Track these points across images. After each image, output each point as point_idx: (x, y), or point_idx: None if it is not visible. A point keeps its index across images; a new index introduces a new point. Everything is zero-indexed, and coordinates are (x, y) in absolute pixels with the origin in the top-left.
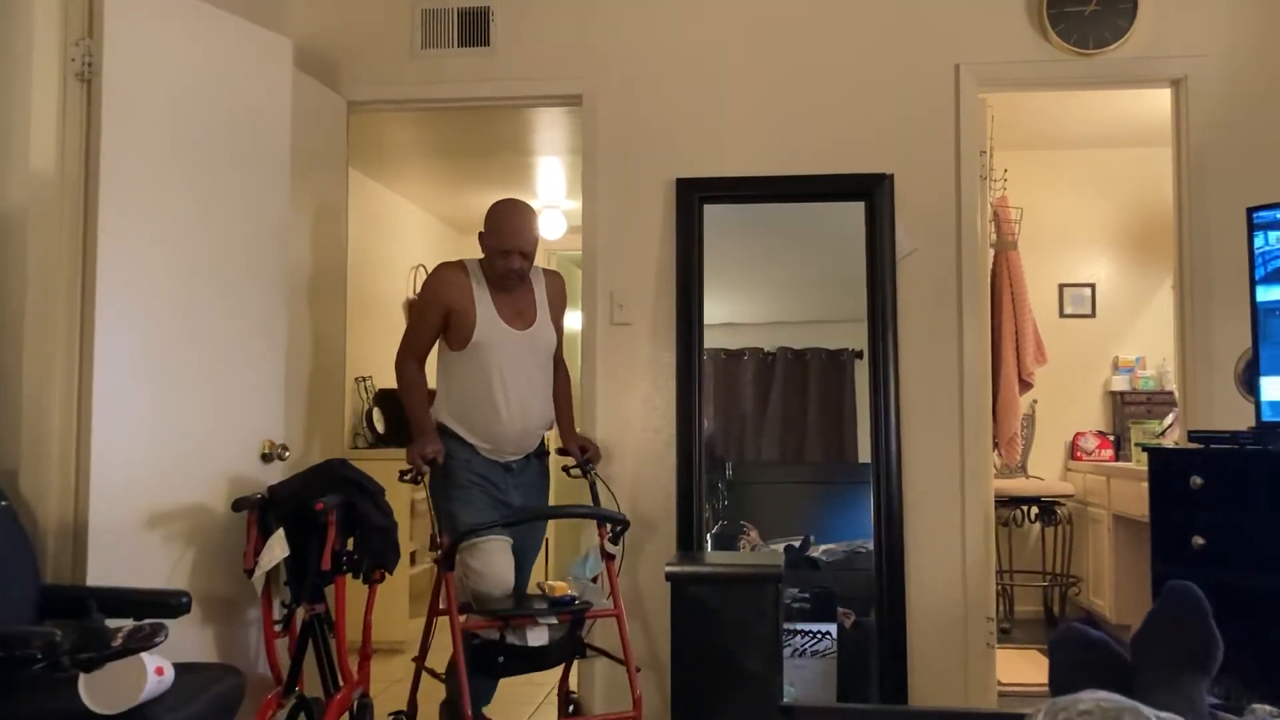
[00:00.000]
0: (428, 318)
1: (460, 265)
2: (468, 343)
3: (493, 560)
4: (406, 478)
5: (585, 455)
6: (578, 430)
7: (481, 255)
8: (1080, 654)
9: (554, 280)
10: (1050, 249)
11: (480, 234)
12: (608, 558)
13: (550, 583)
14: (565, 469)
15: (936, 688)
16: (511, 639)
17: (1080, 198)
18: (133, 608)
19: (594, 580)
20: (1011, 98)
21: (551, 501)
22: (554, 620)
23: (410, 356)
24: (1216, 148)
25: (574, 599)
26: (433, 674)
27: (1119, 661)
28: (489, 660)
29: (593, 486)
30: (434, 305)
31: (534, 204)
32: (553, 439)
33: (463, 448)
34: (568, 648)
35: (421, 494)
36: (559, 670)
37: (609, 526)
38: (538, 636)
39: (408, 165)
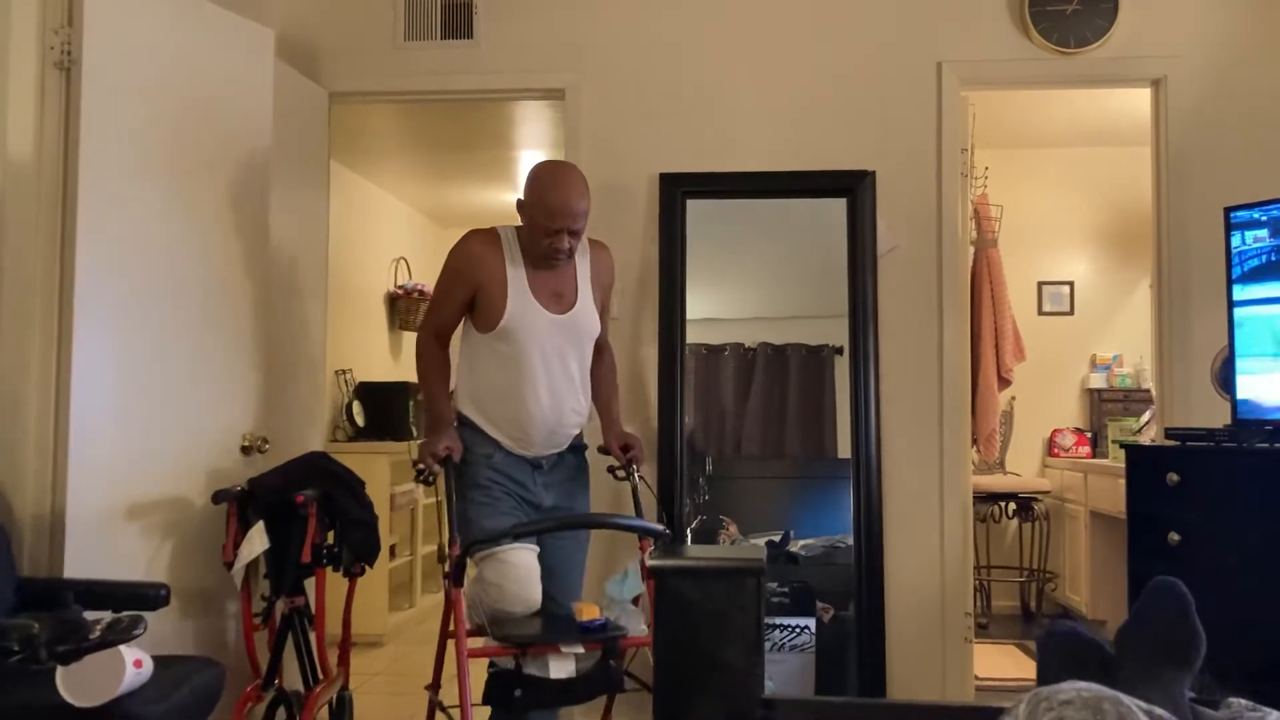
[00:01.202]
0: (451, 294)
1: (493, 236)
2: (495, 326)
3: (512, 574)
4: (420, 478)
5: (628, 454)
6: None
7: (519, 224)
8: (1069, 651)
9: (600, 254)
10: (1030, 247)
11: (519, 202)
12: (649, 576)
13: (580, 604)
14: (610, 469)
15: (914, 681)
16: (531, 669)
17: (1060, 196)
18: (111, 600)
19: (634, 602)
20: (992, 96)
21: (594, 503)
22: (580, 649)
23: (431, 334)
24: (1195, 147)
25: (604, 624)
26: (443, 708)
27: (1107, 659)
28: (504, 693)
29: (635, 491)
30: (459, 282)
31: (517, 198)
32: (594, 436)
33: (484, 442)
34: (601, 681)
35: (404, 487)
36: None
37: (653, 540)
38: (561, 667)
39: (390, 158)
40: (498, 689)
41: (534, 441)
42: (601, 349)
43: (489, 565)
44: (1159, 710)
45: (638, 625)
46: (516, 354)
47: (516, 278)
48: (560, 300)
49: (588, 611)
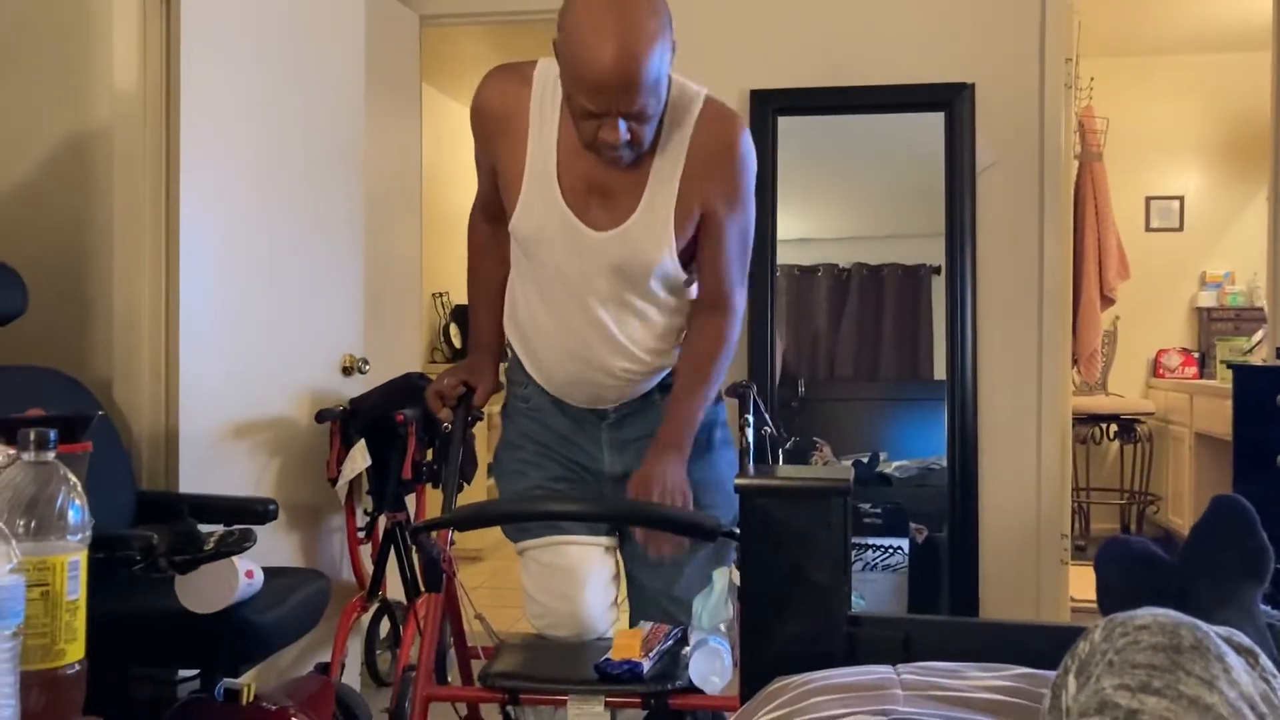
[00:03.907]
0: (479, 165)
1: (522, 79)
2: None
3: (551, 581)
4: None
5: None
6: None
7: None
8: (1128, 568)
9: (711, 131)
10: (1137, 161)
11: (554, 42)
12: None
13: (627, 631)
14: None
15: (1008, 603)
16: None
17: (1171, 106)
18: (222, 514)
19: (725, 630)
20: (1100, 1)
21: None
22: (599, 708)
23: (480, 211)
24: None
25: (640, 668)
26: None
27: (1168, 572)
28: None
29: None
30: (479, 150)
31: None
32: None
33: (524, 379)
34: None
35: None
36: None
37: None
38: None
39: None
40: None
41: (571, 396)
42: (709, 308)
43: (525, 565)
44: (1238, 636)
45: (711, 672)
46: (536, 273)
47: (541, 153)
48: (609, 205)
49: (624, 645)
